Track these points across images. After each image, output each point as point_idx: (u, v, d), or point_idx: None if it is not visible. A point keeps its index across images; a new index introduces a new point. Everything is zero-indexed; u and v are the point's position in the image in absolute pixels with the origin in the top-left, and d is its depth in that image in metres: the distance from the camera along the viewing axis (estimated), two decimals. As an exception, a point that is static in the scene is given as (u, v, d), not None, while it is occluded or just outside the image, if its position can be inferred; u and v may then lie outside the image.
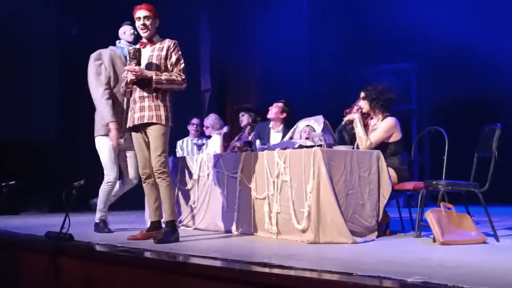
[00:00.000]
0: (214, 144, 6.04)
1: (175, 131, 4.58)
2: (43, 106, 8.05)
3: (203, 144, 6.21)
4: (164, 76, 4.13)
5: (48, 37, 8.02)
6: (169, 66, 4.21)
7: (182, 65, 4.22)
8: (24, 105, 7.95)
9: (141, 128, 4.23)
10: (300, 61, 9.39)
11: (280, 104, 5.72)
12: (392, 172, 4.49)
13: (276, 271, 2.77)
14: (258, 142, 4.89)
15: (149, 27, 4.23)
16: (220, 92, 9.39)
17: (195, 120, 6.46)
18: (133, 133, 4.32)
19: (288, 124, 5.71)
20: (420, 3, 8.40)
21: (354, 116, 4.73)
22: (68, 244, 3.92)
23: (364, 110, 4.79)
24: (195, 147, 6.25)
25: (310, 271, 2.71)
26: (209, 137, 6.33)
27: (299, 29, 9.30)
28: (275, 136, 5.65)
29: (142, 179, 4.37)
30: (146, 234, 4.29)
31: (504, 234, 4.42)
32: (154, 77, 4.10)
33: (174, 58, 4.20)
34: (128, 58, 4.23)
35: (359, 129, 4.66)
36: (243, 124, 6.04)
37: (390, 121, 4.65)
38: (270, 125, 5.74)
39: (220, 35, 9.14)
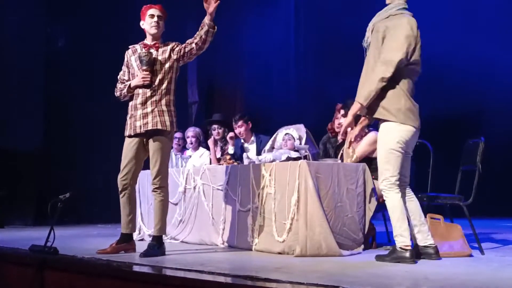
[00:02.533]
0: (203, 157, 6.01)
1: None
2: (27, 115, 7.89)
3: (189, 156, 6.15)
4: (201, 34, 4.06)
5: (33, 46, 7.92)
6: (182, 49, 4.12)
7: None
8: (8, 114, 7.79)
9: (142, 136, 4.11)
10: (287, 73, 9.45)
11: (239, 123, 5.72)
12: (377, 184, 4.51)
13: (262, 284, 2.77)
14: (245, 155, 4.90)
15: (160, 27, 4.19)
16: (207, 104, 9.39)
17: (178, 134, 6.31)
18: (128, 138, 4.13)
19: (258, 130, 5.77)
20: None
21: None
22: (53, 257, 3.88)
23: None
24: (180, 160, 6.18)
25: (296, 284, 2.70)
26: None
27: (285, 42, 9.35)
28: (250, 149, 5.70)
29: (119, 189, 4.15)
30: (115, 248, 4.11)
31: (489, 246, 4.46)
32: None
33: (179, 46, 4.14)
34: (139, 62, 4.10)
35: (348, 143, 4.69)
36: (219, 137, 5.93)
37: (373, 135, 4.69)
38: (242, 140, 5.81)
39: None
